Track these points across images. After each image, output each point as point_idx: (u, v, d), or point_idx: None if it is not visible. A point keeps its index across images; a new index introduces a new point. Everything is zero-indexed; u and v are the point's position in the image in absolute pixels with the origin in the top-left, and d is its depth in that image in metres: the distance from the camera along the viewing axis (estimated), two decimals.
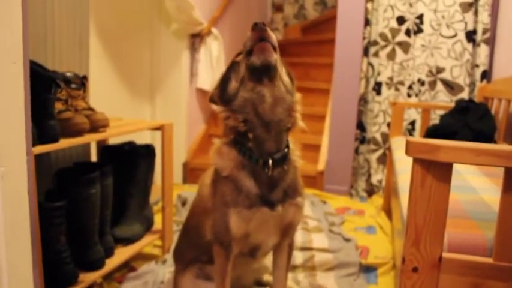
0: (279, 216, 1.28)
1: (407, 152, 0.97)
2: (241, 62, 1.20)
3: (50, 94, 1.45)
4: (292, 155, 1.31)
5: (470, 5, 3.02)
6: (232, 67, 1.24)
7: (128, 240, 1.97)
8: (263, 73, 1.14)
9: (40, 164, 1.66)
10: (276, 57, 1.15)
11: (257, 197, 1.25)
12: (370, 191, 3.41)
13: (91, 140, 1.67)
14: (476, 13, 3.01)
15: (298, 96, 1.27)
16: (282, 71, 1.22)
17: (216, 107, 1.27)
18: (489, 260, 1.01)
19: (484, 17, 2.94)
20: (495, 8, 2.97)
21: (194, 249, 1.54)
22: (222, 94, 1.25)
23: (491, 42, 3.00)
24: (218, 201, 1.30)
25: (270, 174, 1.24)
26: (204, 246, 1.45)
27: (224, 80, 1.25)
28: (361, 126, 3.40)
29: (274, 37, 1.16)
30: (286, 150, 1.28)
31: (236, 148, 1.26)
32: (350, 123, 3.35)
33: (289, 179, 1.29)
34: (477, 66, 3.01)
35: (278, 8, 5.76)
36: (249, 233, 1.29)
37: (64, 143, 1.50)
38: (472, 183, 1.56)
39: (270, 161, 1.23)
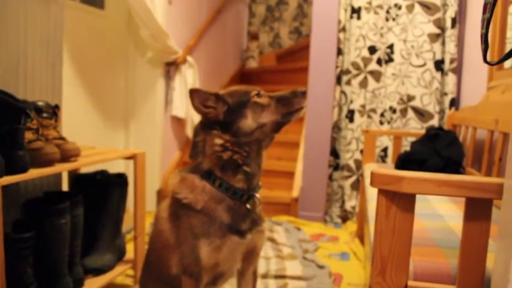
0: (246, 243, 1.31)
1: (372, 184, 0.99)
2: (267, 106, 1.29)
3: (19, 124, 1.44)
4: None
5: (438, 35, 3.12)
6: (249, 106, 1.28)
7: (99, 271, 1.94)
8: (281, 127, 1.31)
9: (8, 194, 1.64)
10: None
11: (228, 227, 1.27)
12: (344, 217, 3.43)
13: (61, 170, 1.65)
14: (443, 43, 3.12)
15: None
16: None
17: (219, 138, 1.26)
18: None
19: (451, 47, 3.05)
20: (461, 39, 3.09)
21: (157, 283, 1.52)
22: (228, 126, 1.27)
23: (458, 71, 3.10)
24: (185, 234, 1.30)
25: (254, 209, 1.31)
26: (167, 279, 1.44)
27: (236, 114, 1.27)
28: (334, 153, 3.45)
29: None
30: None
31: (210, 182, 1.29)
32: (324, 150, 3.39)
33: (258, 208, 1.35)
34: (446, 94, 3.10)
35: (254, 36, 5.85)
36: (218, 262, 1.30)
37: (33, 173, 1.48)
38: (440, 211, 1.60)
39: (258, 195, 1.33)
